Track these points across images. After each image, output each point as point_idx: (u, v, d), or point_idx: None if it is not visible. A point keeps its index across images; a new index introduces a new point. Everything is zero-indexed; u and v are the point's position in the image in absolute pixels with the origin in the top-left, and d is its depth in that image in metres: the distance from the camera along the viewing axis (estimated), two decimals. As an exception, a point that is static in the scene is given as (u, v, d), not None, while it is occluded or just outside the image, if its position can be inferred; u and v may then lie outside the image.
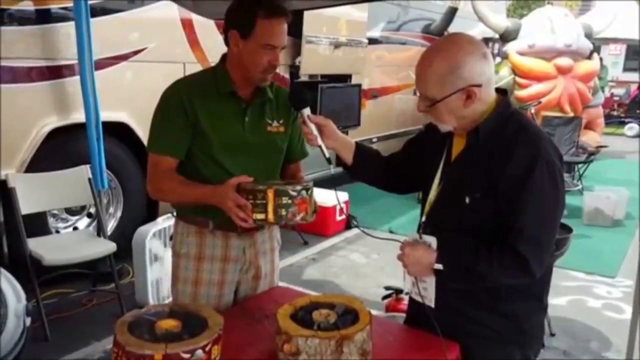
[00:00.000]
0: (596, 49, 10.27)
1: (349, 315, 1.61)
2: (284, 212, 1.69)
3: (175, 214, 2.11)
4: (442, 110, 1.59)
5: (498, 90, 1.66)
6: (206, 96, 1.92)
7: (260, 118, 1.98)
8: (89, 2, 3.82)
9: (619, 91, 16.81)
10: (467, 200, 1.59)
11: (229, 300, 2.06)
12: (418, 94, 1.63)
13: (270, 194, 1.68)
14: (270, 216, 1.69)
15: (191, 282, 2.02)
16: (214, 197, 1.78)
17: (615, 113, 15.85)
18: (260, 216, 1.69)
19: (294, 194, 1.69)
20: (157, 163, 1.92)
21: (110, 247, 3.66)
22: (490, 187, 1.55)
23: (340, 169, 1.95)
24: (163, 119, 1.93)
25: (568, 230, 3.48)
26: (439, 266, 1.58)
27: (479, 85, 1.54)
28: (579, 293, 4.45)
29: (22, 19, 3.75)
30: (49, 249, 3.47)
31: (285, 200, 1.69)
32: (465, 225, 1.61)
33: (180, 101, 1.89)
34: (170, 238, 2.17)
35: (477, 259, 1.54)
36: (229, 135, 1.92)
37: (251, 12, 1.82)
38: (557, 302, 4.18)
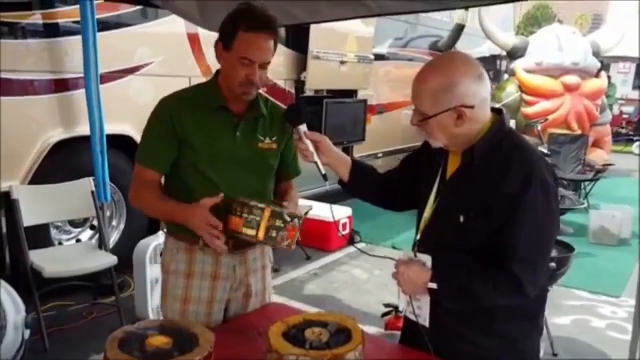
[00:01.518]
0: (605, 67, 10.30)
1: (341, 334, 1.60)
2: (274, 234, 1.71)
3: (166, 230, 2.09)
4: (434, 127, 1.59)
5: (494, 109, 1.66)
6: (197, 110, 1.91)
7: (252, 134, 1.96)
8: (97, 17, 3.86)
9: (629, 109, 16.77)
10: (461, 219, 1.58)
11: (219, 319, 2.03)
12: (413, 107, 1.63)
13: (267, 213, 1.70)
14: (261, 234, 1.71)
15: (180, 299, 1.99)
16: (184, 215, 1.80)
17: (623, 131, 15.81)
18: (251, 232, 1.71)
19: (288, 219, 1.71)
20: (141, 174, 1.95)
21: (111, 260, 3.67)
22: (484, 206, 1.54)
23: (337, 185, 1.95)
24: (151, 132, 1.94)
25: (570, 249, 3.45)
26: (434, 285, 1.56)
27: (472, 107, 1.54)
28: (583, 313, 4.40)
29: (30, 33, 3.81)
30: (50, 261, 3.48)
31: (279, 223, 1.71)
32: (460, 244, 1.59)
33: (169, 116, 1.89)
34: (161, 254, 2.15)
35: (471, 278, 1.53)
36: (219, 149, 1.91)
37: (234, 24, 1.81)
38: (561, 321, 4.14)
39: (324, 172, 1.83)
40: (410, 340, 1.80)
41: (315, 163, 1.81)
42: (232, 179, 1.91)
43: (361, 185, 1.91)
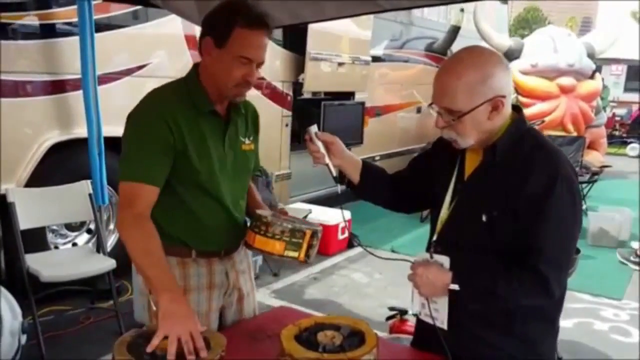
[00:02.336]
0: (598, 69, 10.32)
1: (354, 337, 1.57)
2: (311, 252, 1.77)
3: None
4: (467, 124, 1.52)
5: (513, 107, 1.62)
6: (187, 114, 1.74)
7: (236, 136, 1.86)
8: (94, 18, 3.80)
9: (621, 111, 16.86)
10: (483, 218, 1.53)
11: (214, 328, 1.91)
12: (436, 109, 1.56)
13: (307, 235, 1.74)
14: (302, 255, 1.76)
15: None
16: (172, 305, 1.51)
17: (617, 133, 15.90)
18: (293, 254, 1.75)
19: (319, 236, 1.79)
20: (137, 194, 1.66)
21: (109, 263, 3.59)
22: (507, 205, 1.51)
23: (333, 188, 1.89)
24: (145, 140, 1.70)
25: (576, 251, 3.42)
26: (455, 286, 1.52)
27: (504, 97, 1.51)
28: (585, 315, 4.38)
29: (26, 34, 3.74)
30: (46, 265, 3.40)
31: (315, 241, 1.77)
32: (482, 244, 1.56)
33: (163, 119, 1.69)
34: None
35: (494, 278, 1.50)
36: (211, 156, 1.78)
37: (229, 19, 1.67)
38: (564, 324, 4.03)
39: (335, 174, 1.78)
40: (423, 343, 1.75)
41: (327, 165, 1.76)
42: (223, 186, 1.81)
43: (371, 187, 1.86)
